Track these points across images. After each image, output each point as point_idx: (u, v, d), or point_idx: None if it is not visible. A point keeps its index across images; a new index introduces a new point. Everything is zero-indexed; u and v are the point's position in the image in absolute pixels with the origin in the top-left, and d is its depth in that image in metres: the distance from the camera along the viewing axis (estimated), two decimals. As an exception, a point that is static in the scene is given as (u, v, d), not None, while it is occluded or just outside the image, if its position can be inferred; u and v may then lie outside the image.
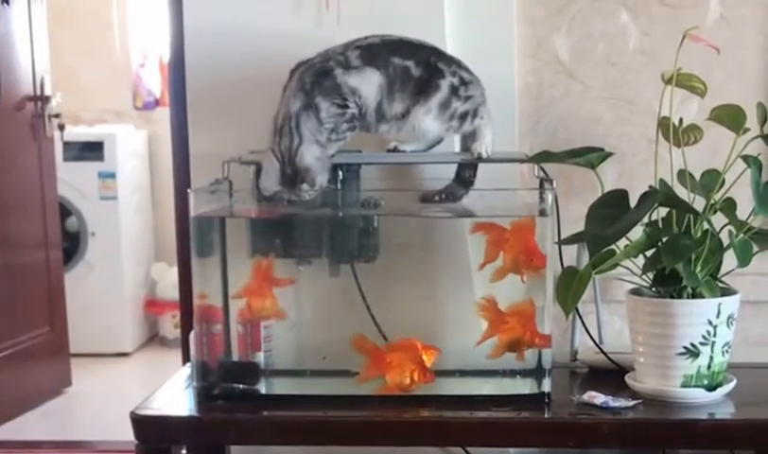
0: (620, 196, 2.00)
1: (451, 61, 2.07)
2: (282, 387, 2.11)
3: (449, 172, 2.13)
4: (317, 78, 2.00)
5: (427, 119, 2.04)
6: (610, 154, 2.14)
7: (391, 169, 2.23)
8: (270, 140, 2.02)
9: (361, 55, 2.02)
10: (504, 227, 1.99)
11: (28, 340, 4.32)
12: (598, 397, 1.94)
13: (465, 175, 2.12)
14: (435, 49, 2.08)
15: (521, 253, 1.97)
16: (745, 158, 1.94)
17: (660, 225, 1.97)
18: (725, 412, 1.95)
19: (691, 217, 1.95)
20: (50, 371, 4.51)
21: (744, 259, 1.91)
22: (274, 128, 2.01)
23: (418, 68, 2.03)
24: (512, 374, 2.01)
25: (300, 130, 1.98)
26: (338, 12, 2.25)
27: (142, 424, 1.94)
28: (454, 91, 2.05)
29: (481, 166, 2.11)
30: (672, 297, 1.95)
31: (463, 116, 2.06)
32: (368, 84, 2.01)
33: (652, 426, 1.90)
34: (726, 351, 1.96)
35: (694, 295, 1.94)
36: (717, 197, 1.96)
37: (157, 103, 5.80)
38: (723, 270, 1.99)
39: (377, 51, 2.03)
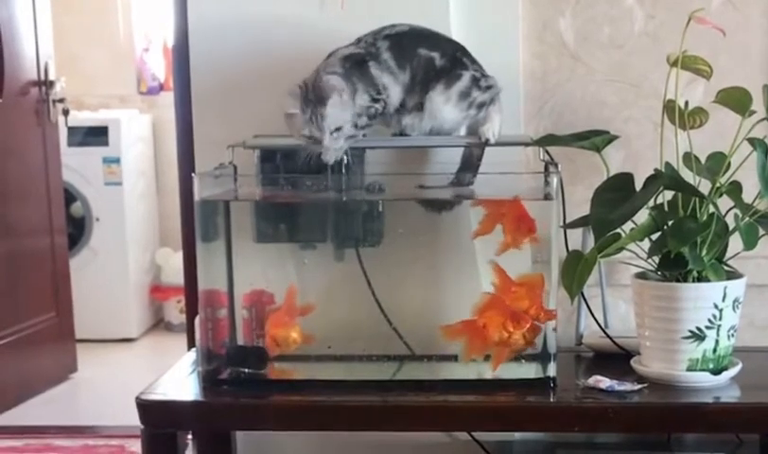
0: (626, 179, 1.99)
1: (474, 60, 2.09)
2: (288, 372, 2.10)
3: (455, 157, 2.13)
4: (355, 64, 2.02)
5: (447, 107, 2.05)
6: (615, 137, 2.14)
7: (395, 154, 2.22)
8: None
9: (391, 47, 2.03)
10: (502, 200, 1.99)
11: (34, 325, 4.33)
12: (603, 381, 1.94)
13: (465, 179, 2.11)
14: (461, 46, 2.10)
15: (513, 222, 1.97)
16: (751, 141, 1.93)
17: (666, 208, 1.97)
18: (731, 396, 1.95)
19: (697, 200, 1.95)
20: (56, 356, 4.51)
21: (750, 242, 1.90)
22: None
23: (442, 60, 2.05)
24: (517, 358, 2.00)
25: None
26: (342, -4, 2.25)
27: (148, 409, 1.95)
28: (475, 81, 2.07)
29: (487, 150, 2.11)
30: (678, 281, 1.94)
31: (481, 106, 2.08)
32: (396, 84, 2.03)
33: (657, 409, 1.90)
34: (732, 335, 1.96)
35: (700, 279, 1.94)
36: (723, 180, 1.95)
37: (161, 88, 5.79)
38: (728, 254, 1.98)
39: (406, 43, 2.04)
